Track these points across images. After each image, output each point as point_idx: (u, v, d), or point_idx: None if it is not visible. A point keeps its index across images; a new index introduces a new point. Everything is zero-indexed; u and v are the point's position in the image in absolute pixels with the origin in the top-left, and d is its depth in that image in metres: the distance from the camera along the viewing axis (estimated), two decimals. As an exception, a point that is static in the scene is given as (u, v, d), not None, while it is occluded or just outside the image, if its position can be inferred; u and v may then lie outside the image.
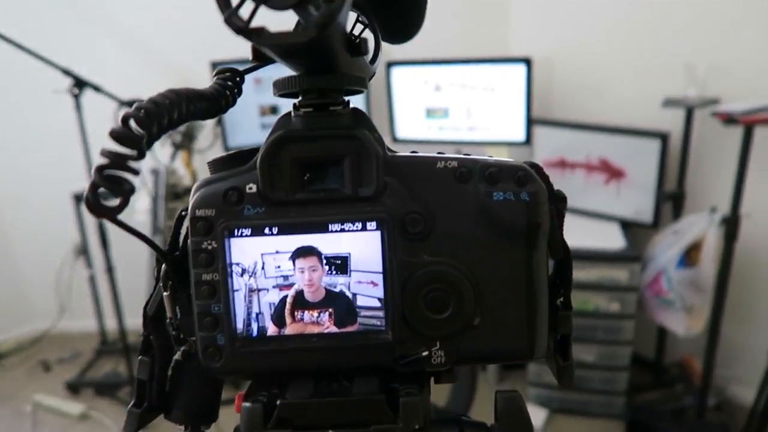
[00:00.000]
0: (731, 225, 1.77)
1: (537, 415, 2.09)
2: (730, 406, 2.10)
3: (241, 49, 2.15)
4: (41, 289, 2.69)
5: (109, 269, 2.09)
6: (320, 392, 0.33)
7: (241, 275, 0.34)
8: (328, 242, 0.33)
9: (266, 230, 0.33)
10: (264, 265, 0.34)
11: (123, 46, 2.52)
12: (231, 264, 0.34)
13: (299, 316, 0.34)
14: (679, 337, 2.02)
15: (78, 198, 2.38)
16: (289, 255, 0.33)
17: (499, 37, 2.58)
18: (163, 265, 0.37)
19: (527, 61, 2.20)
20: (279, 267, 0.34)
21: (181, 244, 0.37)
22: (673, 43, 2.10)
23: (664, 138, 2.02)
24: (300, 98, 0.35)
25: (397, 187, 0.34)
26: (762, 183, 1.90)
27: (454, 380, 0.36)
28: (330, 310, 0.34)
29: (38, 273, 2.71)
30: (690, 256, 1.93)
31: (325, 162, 0.34)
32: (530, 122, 2.27)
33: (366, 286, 0.33)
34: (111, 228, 2.10)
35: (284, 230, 0.33)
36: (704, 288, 1.89)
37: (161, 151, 2.21)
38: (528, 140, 2.29)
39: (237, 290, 0.34)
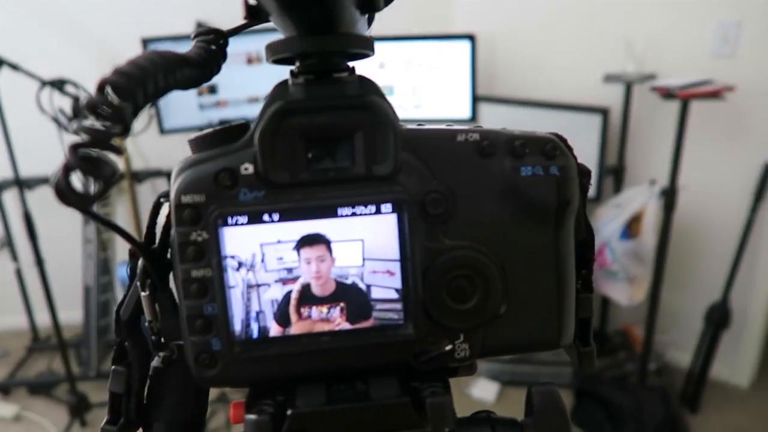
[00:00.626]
0: (670, 196, 1.84)
1: (489, 388, 2.13)
2: (668, 369, 2.21)
3: (173, 25, 2.02)
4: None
5: (39, 262, 1.94)
6: (335, 398, 0.30)
7: (238, 270, 0.29)
8: (338, 228, 0.29)
9: (266, 217, 0.29)
10: (264, 257, 0.29)
11: (44, 21, 2.33)
12: (226, 257, 0.29)
13: (306, 313, 0.30)
14: (621, 306, 2.09)
15: (-1, 186, 2.20)
16: (294, 244, 0.29)
17: (441, 14, 2.56)
18: (140, 261, 0.32)
19: (471, 38, 2.19)
20: (281, 258, 0.29)
21: (159, 235, 0.32)
22: (613, 19, 2.14)
23: (604, 113, 2.06)
24: (297, 64, 0.30)
25: (415, 164, 0.30)
26: (698, 155, 1.97)
27: (473, 373, 0.33)
28: (341, 304, 0.30)
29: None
30: (631, 228, 1.99)
31: (334, 136, 0.30)
32: (475, 99, 2.27)
33: (382, 276, 0.30)
34: (38, 218, 1.96)
35: (287, 216, 0.29)
36: (645, 258, 1.96)
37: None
38: (473, 117, 2.29)
39: (233, 287, 0.29)
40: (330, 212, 0.29)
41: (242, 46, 2.18)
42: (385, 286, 0.30)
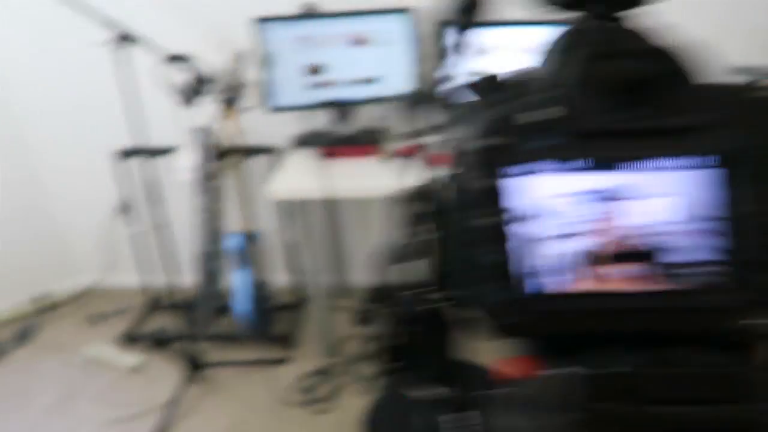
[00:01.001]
0: None
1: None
2: None
3: (281, 5, 2.02)
4: (86, 245, 2.66)
5: (159, 225, 2.05)
6: (643, 361, 0.28)
7: (538, 220, 0.29)
8: (650, 182, 0.28)
9: (573, 165, 0.28)
10: (567, 208, 0.29)
11: (159, 2, 2.42)
12: (524, 206, 0.29)
13: (612, 271, 0.29)
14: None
15: (126, 154, 2.32)
16: (596, 196, 0.28)
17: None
18: (417, 206, 0.32)
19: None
20: (588, 211, 0.28)
21: (439, 184, 0.32)
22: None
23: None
24: (581, 9, 0.30)
25: (728, 118, 0.28)
26: None
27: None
28: (652, 264, 0.29)
29: (84, 229, 2.67)
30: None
31: (646, 85, 0.28)
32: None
33: (700, 237, 0.28)
34: (164, 184, 2.05)
35: (596, 166, 0.28)
36: None
37: (208, 109, 2.14)
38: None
39: (538, 238, 0.29)
40: (643, 164, 0.28)
41: (350, 27, 2.18)
42: (704, 246, 0.28)
